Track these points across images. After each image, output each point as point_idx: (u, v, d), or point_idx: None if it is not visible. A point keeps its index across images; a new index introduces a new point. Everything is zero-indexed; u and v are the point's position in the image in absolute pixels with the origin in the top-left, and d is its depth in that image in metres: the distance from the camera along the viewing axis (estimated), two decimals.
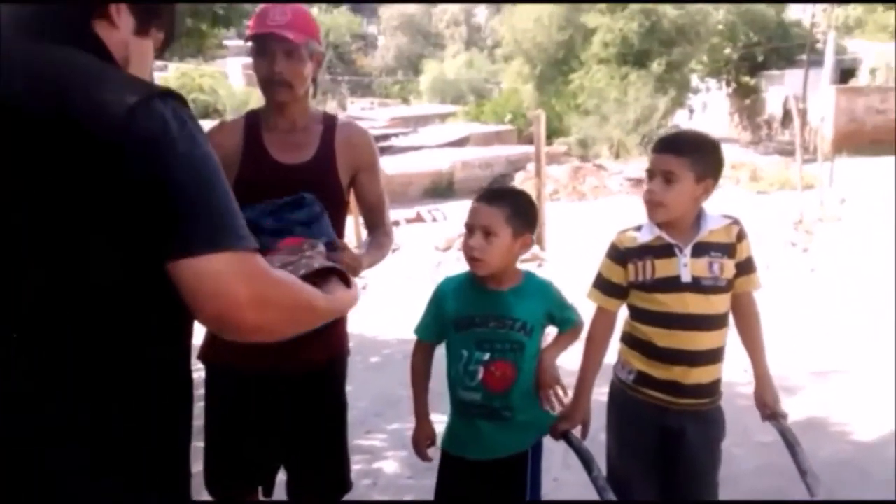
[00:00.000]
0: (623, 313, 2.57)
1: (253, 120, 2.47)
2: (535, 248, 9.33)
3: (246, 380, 2.39)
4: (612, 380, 2.61)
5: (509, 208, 2.35)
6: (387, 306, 7.79)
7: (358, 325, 7.82)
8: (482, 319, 2.38)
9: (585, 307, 2.55)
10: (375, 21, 63.05)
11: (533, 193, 10.73)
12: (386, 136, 26.76)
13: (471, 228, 2.36)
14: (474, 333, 2.39)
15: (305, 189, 2.35)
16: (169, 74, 30.23)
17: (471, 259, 2.36)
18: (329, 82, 55.75)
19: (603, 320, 2.55)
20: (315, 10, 61.02)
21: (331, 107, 48.54)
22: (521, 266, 2.49)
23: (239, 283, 1.10)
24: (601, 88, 25.61)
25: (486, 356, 2.37)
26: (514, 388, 2.38)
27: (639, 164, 18.88)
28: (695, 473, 2.48)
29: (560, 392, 2.44)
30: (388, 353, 6.19)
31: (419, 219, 12.44)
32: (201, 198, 1.11)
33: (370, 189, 2.56)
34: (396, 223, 11.89)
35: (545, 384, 2.42)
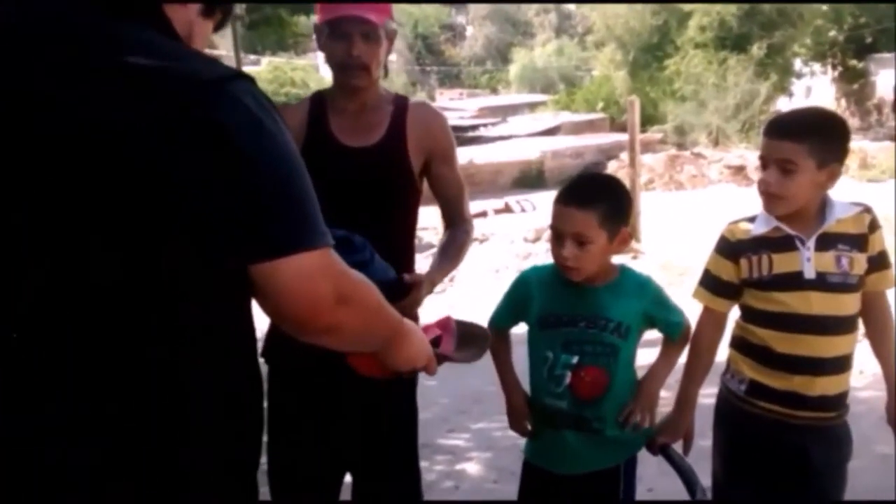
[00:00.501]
0: (734, 315, 2.28)
1: (318, 101, 2.30)
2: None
3: (310, 380, 2.22)
4: (720, 389, 2.31)
5: (603, 208, 2.08)
6: (473, 299, 7.57)
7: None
8: (571, 318, 2.15)
9: (689, 307, 2.26)
10: (464, 11, 63.00)
11: (627, 183, 10.37)
12: (475, 127, 26.69)
13: (559, 235, 2.10)
14: (561, 333, 2.15)
15: (373, 174, 2.18)
16: (261, 68, 30.71)
17: (564, 268, 2.12)
18: (418, 73, 56.05)
19: (711, 322, 2.26)
20: None
21: (420, 97, 48.66)
22: (614, 258, 2.22)
23: (324, 283, 1.11)
24: (698, 74, 24.87)
25: (575, 360, 2.13)
26: (606, 397, 2.13)
27: (739, 152, 18.28)
28: (819, 502, 2.15)
29: (647, 417, 2.21)
30: None
31: (508, 209, 12.18)
32: (286, 191, 1.09)
33: (446, 177, 2.34)
34: (484, 213, 11.69)
35: (639, 408, 2.17)
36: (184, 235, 1.04)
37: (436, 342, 1.70)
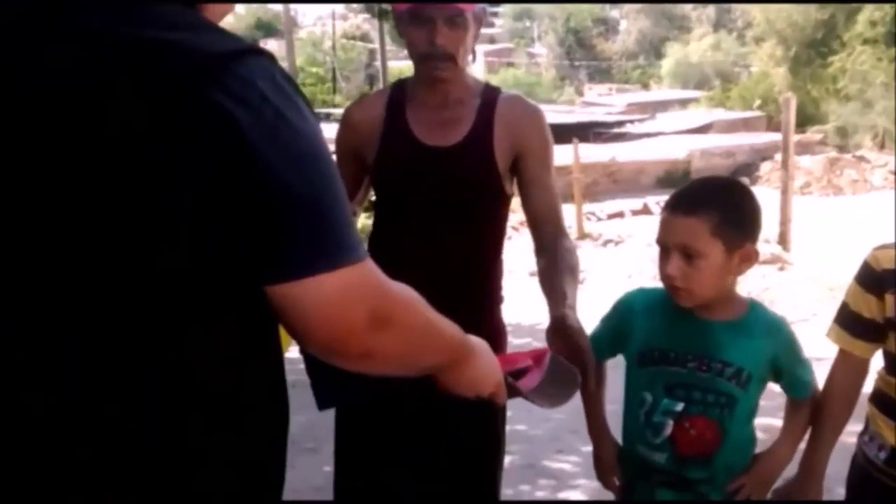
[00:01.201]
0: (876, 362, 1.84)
1: (398, 92, 2.04)
2: (777, 249, 8.30)
3: (381, 396, 1.92)
4: (855, 454, 1.87)
5: (716, 214, 1.68)
6: (603, 304, 7.17)
7: None
8: (679, 356, 1.77)
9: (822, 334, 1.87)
10: (618, 5, 61.89)
11: (779, 186, 9.67)
12: (621, 123, 26.14)
13: (665, 248, 1.73)
14: (665, 373, 1.78)
15: (454, 177, 1.92)
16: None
17: (671, 288, 1.74)
18: (567, 67, 55.48)
19: (847, 370, 1.83)
20: None
21: (567, 93, 48.48)
22: (759, 268, 1.83)
23: (355, 306, 0.95)
24: (865, 72, 23.50)
25: (679, 407, 1.76)
26: (714, 457, 1.75)
27: None
28: None
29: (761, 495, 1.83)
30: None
31: (646, 210, 11.59)
32: (306, 200, 0.91)
33: (538, 181, 1.98)
34: (621, 214, 11.22)
35: (753, 484, 1.79)
36: (181, 245, 0.89)
37: (520, 373, 1.54)
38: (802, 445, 1.87)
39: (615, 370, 1.95)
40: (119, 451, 0.94)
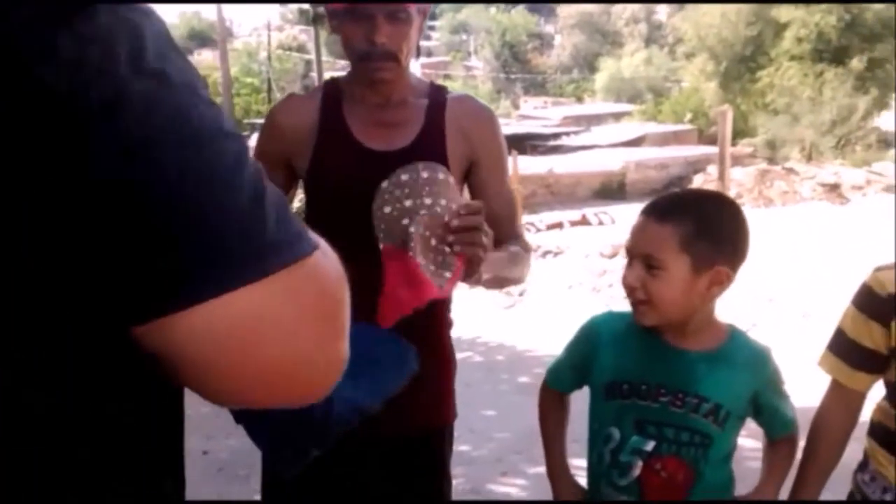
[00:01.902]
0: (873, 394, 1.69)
1: (332, 92, 1.84)
2: None
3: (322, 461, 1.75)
4: (851, 493, 1.74)
5: (687, 226, 1.50)
6: (543, 317, 7.13)
7: (509, 336, 7.46)
8: (651, 389, 1.58)
9: (783, 353, 1.76)
10: (553, 20, 62.80)
11: None
12: (557, 135, 26.38)
13: (630, 255, 1.57)
14: (634, 408, 1.59)
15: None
16: None
17: (631, 302, 1.57)
18: (503, 81, 55.89)
19: (842, 405, 1.66)
20: (493, 9, 61.87)
21: (504, 106, 48.82)
22: None
23: (307, 327, 0.67)
24: (793, 86, 24.16)
25: (650, 446, 1.57)
26: (692, 495, 1.58)
27: (834, 169, 17.45)
28: None
29: None
30: (541, 374, 5.28)
31: (584, 221, 11.60)
32: (212, 193, 0.64)
33: (493, 189, 1.83)
34: (560, 225, 11.22)
35: None
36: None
37: None
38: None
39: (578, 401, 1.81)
40: (119, 451, 0.86)
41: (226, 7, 24.28)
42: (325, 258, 0.71)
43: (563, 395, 1.78)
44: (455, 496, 3.24)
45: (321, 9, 11.61)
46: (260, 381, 0.67)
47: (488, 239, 1.52)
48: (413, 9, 1.70)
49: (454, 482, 2.56)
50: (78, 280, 0.63)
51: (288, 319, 0.66)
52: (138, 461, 0.87)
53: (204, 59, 56.35)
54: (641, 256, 1.52)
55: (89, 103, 0.58)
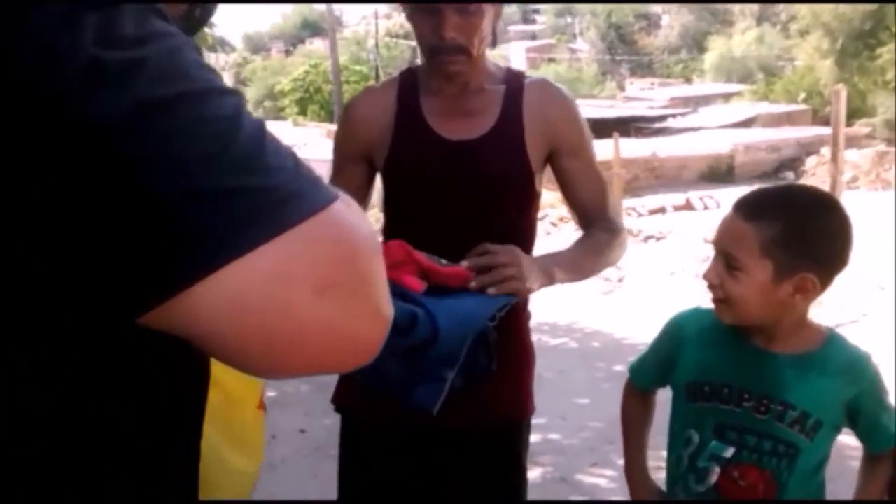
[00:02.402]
0: None
1: (409, 82, 1.83)
2: None
3: (394, 437, 1.78)
4: None
5: (775, 228, 1.41)
6: (642, 304, 7.02)
7: (606, 323, 7.36)
8: (733, 393, 1.50)
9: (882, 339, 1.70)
10: None
11: (827, 180, 9.40)
12: (663, 117, 25.78)
13: (715, 249, 1.52)
14: (716, 411, 1.52)
15: (479, 175, 1.72)
16: None
17: (712, 297, 1.51)
18: (609, 63, 54.94)
19: None
20: None
21: (609, 87, 48.06)
22: None
23: (335, 282, 0.61)
24: None
25: (729, 452, 1.50)
26: None
27: None
28: None
29: None
30: None
31: (688, 206, 11.32)
32: (210, 150, 0.58)
33: (580, 177, 1.81)
34: (662, 210, 11.00)
35: None
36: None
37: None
38: None
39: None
40: (119, 452, 0.86)
41: None
42: (349, 208, 0.64)
43: (647, 393, 1.73)
44: (543, 485, 3.31)
45: None
46: (295, 345, 0.60)
47: (515, 269, 1.52)
48: (483, 3, 1.67)
49: (542, 470, 2.59)
50: (82, 268, 0.59)
51: (314, 274, 0.59)
52: (138, 462, 0.86)
53: (315, 49, 57.49)
54: (723, 253, 1.46)
55: (66, 82, 0.55)
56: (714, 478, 1.51)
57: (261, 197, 0.58)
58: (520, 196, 1.78)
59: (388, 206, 1.85)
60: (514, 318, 1.76)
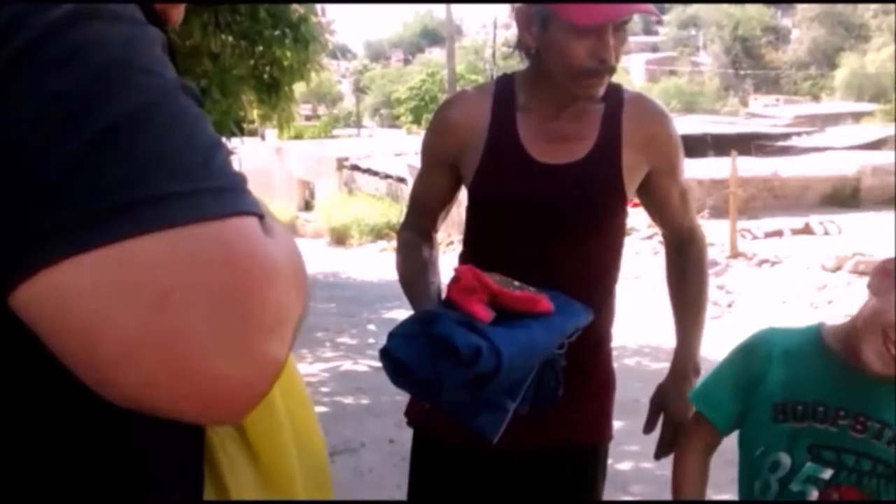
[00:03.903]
0: None
1: (505, 93, 1.74)
2: None
3: (466, 455, 1.73)
4: None
5: None
6: (750, 331, 6.77)
7: (711, 349, 7.07)
8: (828, 412, 1.45)
9: None
10: (791, 13, 59.23)
11: None
12: (787, 136, 24.88)
13: None
14: (810, 431, 1.46)
15: (574, 198, 1.67)
16: None
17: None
18: (732, 77, 53.46)
19: None
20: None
21: (731, 103, 46.74)
22: None
23: (200, 306, 0.51)
24: None
25: (828, 474, 1.44)
26: None
27: None
28: None
29: None
30: None
31: (808, 230, 10.84)
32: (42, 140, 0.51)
33: (668, 191, 1.78)
34: (779, 233, 10.60)
35: None
36: None
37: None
38: None
39: None
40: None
41: (457, 6, 24.98)
42: (269, 231, 0.56)
43: (715, 433, 1.62)
44: None
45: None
46: (119, 362, 0.51)
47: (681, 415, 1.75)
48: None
49: (633, 500, 2.53)
50: None
51: (164, 286, 0.50)
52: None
53: (434, 57, 58.13)
54: None
55: None
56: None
57: (124, 190, 0.51)
58: (608, 222, 1.74)
59: (470, 220, 1.82)
60: (594, 343, 1.75)
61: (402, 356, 1.38)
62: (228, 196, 0.53)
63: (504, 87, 1.75)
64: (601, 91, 1.61)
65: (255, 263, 0.52)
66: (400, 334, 1.42)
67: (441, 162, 1.78)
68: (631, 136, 1.69)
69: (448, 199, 1.84)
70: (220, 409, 0.55)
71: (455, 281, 1.43)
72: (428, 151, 1.82)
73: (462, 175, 1.76)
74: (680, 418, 1.75)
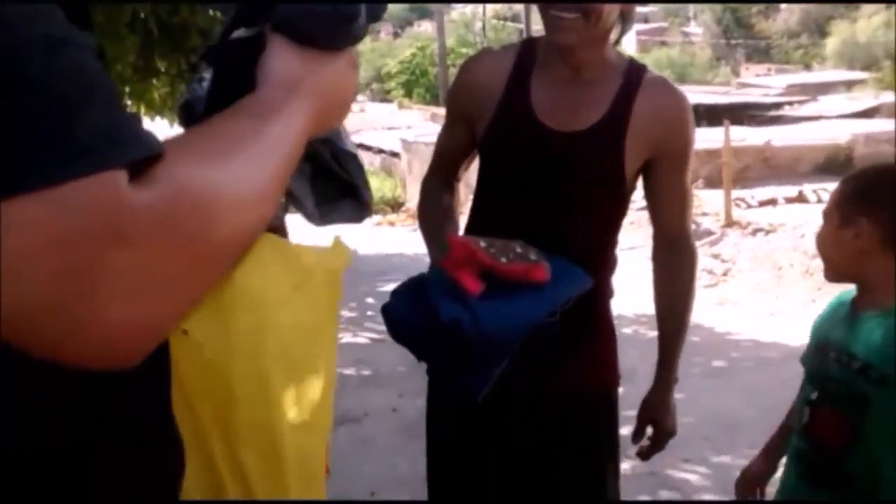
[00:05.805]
0: None
1: (526, 55, 1.76)
2: None
3: (476, 407, 1.73)
4: None
5: (848, 187, 1.66)
6: (747, 299, 6.83)
7: (707, 317, 7.15)
8: (825, 346, 1.70)
9: None
10: None
11: None
12: (779, 105, 24.91)
13: None
14: (812, 361, 1.74)
15: (572, 169, 1.70)
16: None
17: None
18: (723, 47, 53.27)
19: None
20: None
21: (723, 73, 46.59)
22: None
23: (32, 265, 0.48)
24: None
25: (814, 395, 1.69)
26: (852, 452, 1.59)
27: None
28: None
29: None
30: (737, 359, 5.22)
31: (801, 198, 10.86)
32: None
33: (669, 187, 1.80)
34: (773, 202, 10.63)
35: None
36: None
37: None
38: None
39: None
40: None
41: None
42: (145, 185, 0.52)
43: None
44: (633, 478, 3.27)
45: None
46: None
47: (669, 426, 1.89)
48: None
49: (632, 463, 2.56)
50: None
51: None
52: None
53: (423, 31, 57.69)
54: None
55: None
56: (805, 417, 1.69)
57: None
58: (607, 197, 1.77)
59: (480, 178, 1.86)
60: (598, 295, 1.80)
61: (398, 316, 1.54)
62: (86, 156, 0.49)
63: (527, 49, 1.78)
64: (572, 36, 1.60)
65: (101, 226, 0.49)
66: (400, 293, 1.57)
67: (459, 117, 1.85)
68: (641, 119, 1.70)
69: (468, 152, 1.89)
70: (67, 358, 0.53)
71: (448, 252, 1.49)
72: (449, 106, 1.91)
73: (475, 132, 1.80)
74: (668, 429, 1.88)
